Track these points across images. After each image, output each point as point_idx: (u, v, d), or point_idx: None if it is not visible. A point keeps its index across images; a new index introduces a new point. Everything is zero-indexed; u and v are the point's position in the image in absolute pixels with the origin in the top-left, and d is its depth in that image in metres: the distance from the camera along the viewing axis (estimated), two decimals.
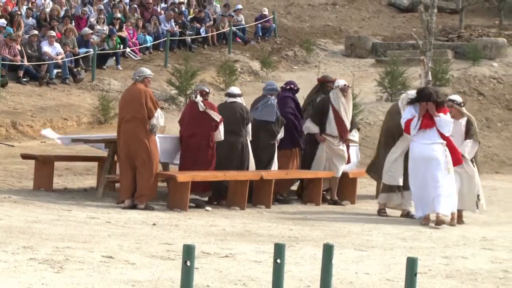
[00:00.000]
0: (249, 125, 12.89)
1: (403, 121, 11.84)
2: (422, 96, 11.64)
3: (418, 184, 11.62)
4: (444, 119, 11.54)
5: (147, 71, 12.18)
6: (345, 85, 13.75)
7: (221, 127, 12.40)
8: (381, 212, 12.71)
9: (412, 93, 13.13)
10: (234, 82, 24.23)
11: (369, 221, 12.08)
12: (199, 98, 12.42)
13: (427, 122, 11.55)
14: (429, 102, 11.52)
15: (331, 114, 13.58)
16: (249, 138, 12.91)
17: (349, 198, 14.21)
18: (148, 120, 11.68)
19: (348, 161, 13.98)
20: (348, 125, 13.76)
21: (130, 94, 11.94)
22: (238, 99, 13.05)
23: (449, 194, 11.51)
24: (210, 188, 12.61)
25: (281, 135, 13.42)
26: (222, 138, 12.42)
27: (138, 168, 11.70)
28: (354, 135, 14.43)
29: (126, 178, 11.78)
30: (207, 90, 12.83)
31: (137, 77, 11.91)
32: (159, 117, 11.78)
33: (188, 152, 12.44)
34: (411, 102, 11.84)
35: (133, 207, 11.68)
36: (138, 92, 11.76)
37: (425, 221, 11.66)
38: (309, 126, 13.72)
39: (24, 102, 20.13)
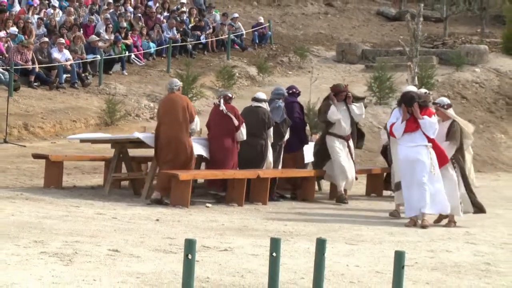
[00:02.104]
0: (271, 129, 13.05)
1: (388, 124, 11.67)
2: (405, 101, 11.42)
3: (406, 185, 11.34)
4: (429, 122, 11.26)
5: (178, 81, 12.75)
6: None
7: (243, 128, 12.61)
8: (395, 212, 12.14)
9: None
10: (232, 87, 24.23)
11: (359, 217, 12.08)
12: (221, 102, 12.72)
13: (412, 125, 11.31)
14: (412, 106, 11.26)
15: None
16: (270, 141, 13.07)
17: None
18: (188, 123, 12.05)
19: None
20: None
21: (172, 101, 12.25)
22: (263, 104, 13.18)
23: (435, 195, 11.20)
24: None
25: (287, 136, 13.49)
26: (245, 138, 12.64)
27: (175, 166, 11.89)
28: None
29: (163, 175, 11.94)
30: (230, 95, 13.11)
31: (174, 87, 12.38)
32: (197, 123, 12.26)
33: (215, 152, 12.62)
34: (398, 104, 11.73)
35: (159, 202, 11.85)
36: (180, 99, 12.26)
37: (410, 223, 11.30)
38: (386, 139, 13.40)
39: (35, 105, 20.10)
